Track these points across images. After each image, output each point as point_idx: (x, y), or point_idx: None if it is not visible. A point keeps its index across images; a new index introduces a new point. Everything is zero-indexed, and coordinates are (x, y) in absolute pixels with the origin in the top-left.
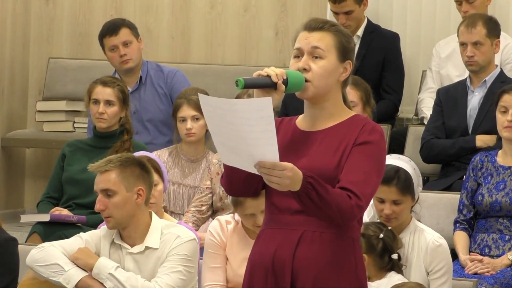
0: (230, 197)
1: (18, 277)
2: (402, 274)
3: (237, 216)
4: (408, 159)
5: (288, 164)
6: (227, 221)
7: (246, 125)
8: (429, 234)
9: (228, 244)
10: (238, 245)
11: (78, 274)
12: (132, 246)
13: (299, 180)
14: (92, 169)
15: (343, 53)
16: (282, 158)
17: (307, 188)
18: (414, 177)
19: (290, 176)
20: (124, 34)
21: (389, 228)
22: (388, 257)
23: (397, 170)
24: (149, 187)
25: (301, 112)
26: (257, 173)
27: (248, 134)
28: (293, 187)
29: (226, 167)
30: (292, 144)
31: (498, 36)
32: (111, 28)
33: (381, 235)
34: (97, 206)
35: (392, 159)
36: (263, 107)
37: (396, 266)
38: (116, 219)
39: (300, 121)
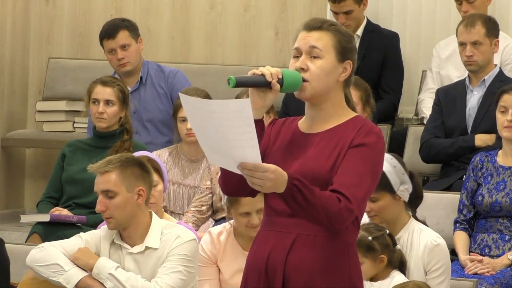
0: (225, 197)
1: (10, 277)
2: (405, 271)
3: (229, 225)
4: (389, 157)
5: (271, 166)
6: (219, 232)
7: (226, 126)
8: (427, 234)
9: (221, 255)
10: (231, 257)
11: (78, 274)
12: (132, 246)
13: (283, 182)
14: (92, 170)
15: (342, 53)
16: (280, 159)
17: (292, 191)
18: (391, 174)
19: (272, 178)
20: (122, 37)
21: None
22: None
23: None
24: (149, 187)
25: (302, 112)
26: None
27: (229, 135)
28: (277, 189)
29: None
30: (290, 146)
31: (497, 36)
32: (109, 31)
33: (387, 231)
34: (98, 207)
35: None
36: (242, 108)
37: (403, 259)
38: (117, 219)
39: (302, 123)
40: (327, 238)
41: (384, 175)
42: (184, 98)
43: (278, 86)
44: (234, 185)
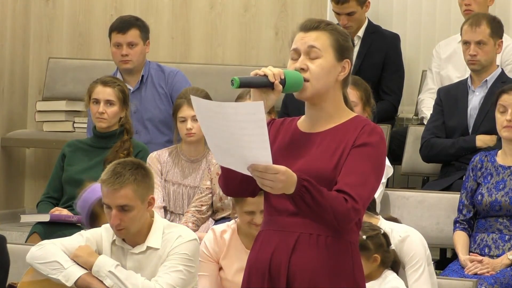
0: None
1: (8, 274)
2: (398, 271)
3: (233, 223)
4: None
5: (281, 168)
6: (223, 230)
7: (239, 128)
8: (395, 231)
9: (224, 253)
10: (234, 255)
11: (77, 272)
12: (133, 246)
13: (293, 183)
14: (104, 185)
15: (340, 51)
16: (280, 159)
17: (301, 191)
18: None
19: (283, 179)
20: (132, 35)
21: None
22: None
23: None
24: (153, 189)
25: (302, 112)
26: (251, 175)
27: (240, 137)
28: (286, 190)
29: (223, 167)
30: (291, 146)
31: (501, 36)
32: (121, 25)
33: (382, 231)
34: (113, 222)
35: None
36: (255, 110)
37: (396, 259)
38: (130, 230)
39: (301, 123)
40: (330, 238)
41: None
42: (195, 101)
43: (281, 86)
44: (236, 186)
